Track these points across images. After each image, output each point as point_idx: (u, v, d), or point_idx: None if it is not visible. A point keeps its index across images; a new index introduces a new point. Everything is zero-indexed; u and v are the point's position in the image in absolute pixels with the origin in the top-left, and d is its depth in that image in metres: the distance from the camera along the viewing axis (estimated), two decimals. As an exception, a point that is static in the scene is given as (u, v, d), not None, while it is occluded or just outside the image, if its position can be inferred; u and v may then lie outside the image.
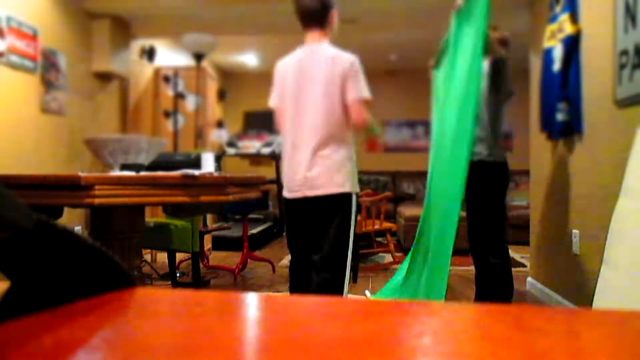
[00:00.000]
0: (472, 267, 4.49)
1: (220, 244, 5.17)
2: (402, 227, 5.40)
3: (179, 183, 1.85)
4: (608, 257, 1.00)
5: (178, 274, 4.05)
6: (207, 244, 4.56)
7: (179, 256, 4.53)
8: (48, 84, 3.86)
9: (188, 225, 3.35)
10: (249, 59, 7.00)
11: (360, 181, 2.39)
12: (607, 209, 2.43)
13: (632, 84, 2.17)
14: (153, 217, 4.74)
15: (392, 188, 7.21)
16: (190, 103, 5.54)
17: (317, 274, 2.24)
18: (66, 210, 1.87)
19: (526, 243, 4.03)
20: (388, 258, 4.77)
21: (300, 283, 2.35)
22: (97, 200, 1.66)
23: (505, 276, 2.65)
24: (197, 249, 3.42)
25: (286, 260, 4.47)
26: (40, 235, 0.31)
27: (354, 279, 3.87)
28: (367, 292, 3.49)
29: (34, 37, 3.68)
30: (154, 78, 6.09)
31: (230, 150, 6.03)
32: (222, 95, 6.75)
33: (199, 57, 5.05)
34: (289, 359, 0.24)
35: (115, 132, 4.94)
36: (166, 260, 3.79)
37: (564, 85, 2.91)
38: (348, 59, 2.19)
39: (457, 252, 5.54)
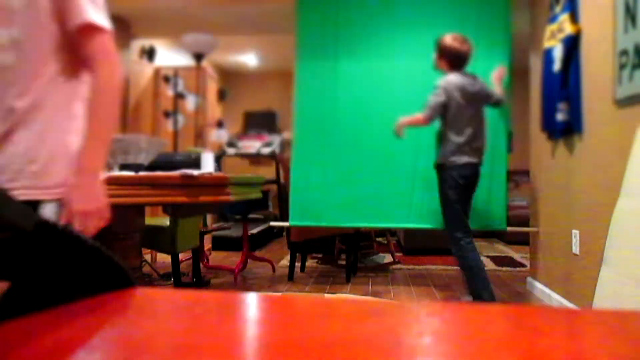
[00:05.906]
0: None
1: (220, 244, 5.17)
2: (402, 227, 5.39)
3: (178, 183, 1.85)
4: (608, 257, 1.00)
5: (178, 274, 4.05)
6: (207, 244, 4.56)
7: (179, 256, 4.52)
8: (48, 84, 3.85)
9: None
10: (249, 59, 7.00)
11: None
12: (607, 209, 2.43)
13: (632, 84, 2.17)
14: (153, 217, 4.74)
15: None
16: (190, 103, 5.54)
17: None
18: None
19: (526, 243, 4.03)
20: (388, 258, 4.77)
21: None
22: (97, 200, 1.66)
23: (466, 267, 2.91)
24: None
25: (286, 260, 4.47)
26: (41, 236, 0.31)
27: (346, 278, 3.86)
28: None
29: (33, 37, 3.67)
30: (154, 78, 6.09)
31: (230, 150, 6.03)
32: (222, 95, 6.75)
33: (199, 57, 5.05)
34: (289, 359, 0.24)
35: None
36: (165, 261, 3.79)
37: (564, 85, 2.91)
38: None
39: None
